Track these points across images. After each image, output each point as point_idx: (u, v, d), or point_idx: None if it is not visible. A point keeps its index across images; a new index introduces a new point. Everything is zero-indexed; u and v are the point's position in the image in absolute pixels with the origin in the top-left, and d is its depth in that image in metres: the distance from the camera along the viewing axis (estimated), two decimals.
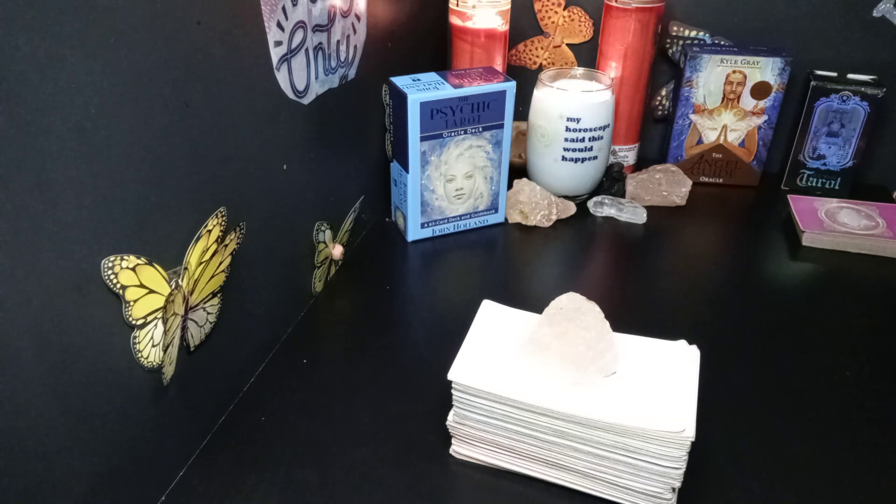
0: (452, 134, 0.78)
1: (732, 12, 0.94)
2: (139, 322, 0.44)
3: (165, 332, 0.46)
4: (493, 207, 0.86)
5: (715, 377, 0.59)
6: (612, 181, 0.92)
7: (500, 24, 0.90)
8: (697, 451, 0.48)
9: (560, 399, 0.49)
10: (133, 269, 0.43)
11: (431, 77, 0.78)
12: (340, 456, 0.54)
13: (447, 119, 0.77)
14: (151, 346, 0.45)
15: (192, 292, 0.49)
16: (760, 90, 0.91)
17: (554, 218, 0.87)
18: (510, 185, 0.88)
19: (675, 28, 0.96)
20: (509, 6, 0.90)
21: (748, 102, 0.92)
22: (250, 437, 0.56)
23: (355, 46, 0.72)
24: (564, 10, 0.99)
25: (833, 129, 0.92)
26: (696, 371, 0.51)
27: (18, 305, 0.36)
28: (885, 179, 0.97)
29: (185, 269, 0.48)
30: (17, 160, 0.34)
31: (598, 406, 0.48)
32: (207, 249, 0.50)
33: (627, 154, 0.98)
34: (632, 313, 0.71)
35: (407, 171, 0.79)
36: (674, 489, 0.49)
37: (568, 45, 1.02)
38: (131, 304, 0.43)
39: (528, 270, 0.82)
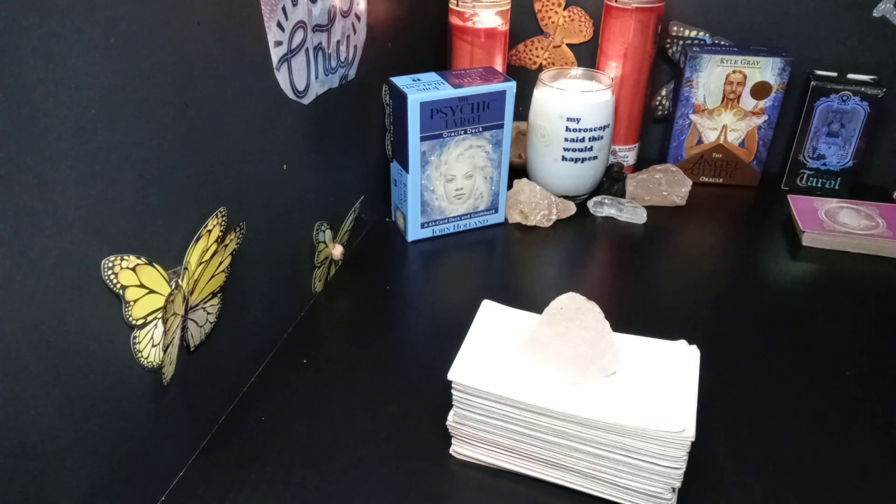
0: (452, 134, 0.78)
1: (732, 12, 0.94)
2: (139, 322, 0.44)
3: (165, 332, 0.46)
4: (493, 207, 0.86)
5: (715, 377, 0.59)
6: (612, 181, 0.92)
7: (500, 24, 0.90)
8: (697, 451, 0.48)
9: (560, 399, 0.49)
10: (133, 269, 0.43)
11: (431, 77, 0.78)
12: (340, 456, 0.54)
13: (447, 119, 0.77)
14: (151, 346, 0.45)
15: (192, 292, 0.49)
16: (760, 90, 0.91)
17: (554, 218, 0.87)
18: (510, 185, 0.88)
19: (675, 28, 0.96)
20: (509, 6, 0.90)
21: (748, 102, 0.92)
22: (250, 437, 0.56)
23: (355, 46, 0.72)
24: (564, 10, 0.99)
25: (833, 129, 0.92)
26: (696, 371, 0.51)
27: (19, 306, 0.36)
28: (885, 179, 0.97)
29: (185, 269, 0.48)
30: (17, 160, 0.34)
31: (598, 406, 0.48)
32: (207, 249, 0.50)
33: (627, 154, 0.98)
34: (632, 313, 0.71)
35: (407, 171, 0.79)
36: (674, 489, 0.49)
37: (568, 45, 1.02)
38: (131, 304, 0.43)
39: (528, 270, 0.82)
